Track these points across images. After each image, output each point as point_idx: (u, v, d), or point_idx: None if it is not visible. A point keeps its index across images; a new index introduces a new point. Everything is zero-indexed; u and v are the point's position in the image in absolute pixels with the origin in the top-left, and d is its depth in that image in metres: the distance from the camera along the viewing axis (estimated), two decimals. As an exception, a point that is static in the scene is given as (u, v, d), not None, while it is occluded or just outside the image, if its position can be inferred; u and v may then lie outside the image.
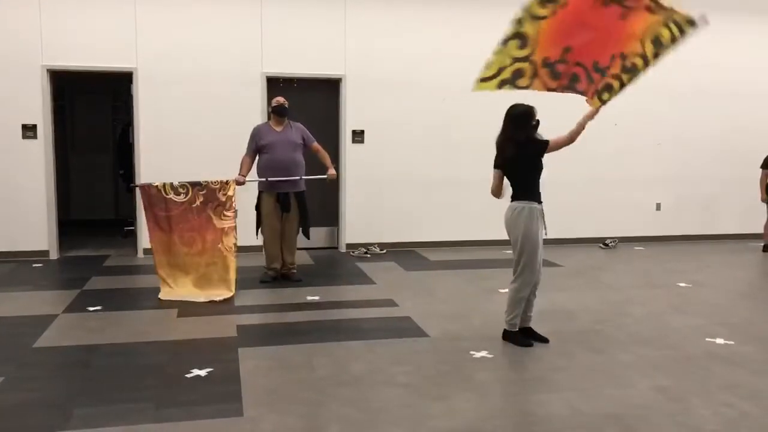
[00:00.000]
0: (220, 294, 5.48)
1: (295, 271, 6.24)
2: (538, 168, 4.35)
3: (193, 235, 5.54)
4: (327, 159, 6.15)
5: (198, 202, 5.53)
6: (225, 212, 5.52)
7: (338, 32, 7.55)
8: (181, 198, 5.53)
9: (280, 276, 6.18)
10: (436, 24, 7.77)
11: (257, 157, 6.00)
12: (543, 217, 4.35)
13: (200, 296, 5.47)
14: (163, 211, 5.54)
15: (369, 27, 7.63)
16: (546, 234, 4.37)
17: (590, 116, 4.25)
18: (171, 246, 5.57)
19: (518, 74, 4.06)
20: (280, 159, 5.85)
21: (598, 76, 4.05)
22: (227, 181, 5.57)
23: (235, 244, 5.58)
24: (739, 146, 8.76)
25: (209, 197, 5.53)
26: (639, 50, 3.86)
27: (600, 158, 8.36)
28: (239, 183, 5.73)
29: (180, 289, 5.54)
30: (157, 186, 5.55)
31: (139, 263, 7.04)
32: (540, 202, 4.33)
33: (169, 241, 5.56)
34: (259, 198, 6.06)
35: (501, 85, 4.09)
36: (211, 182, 5.55)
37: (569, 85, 4.17)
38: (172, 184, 5.54)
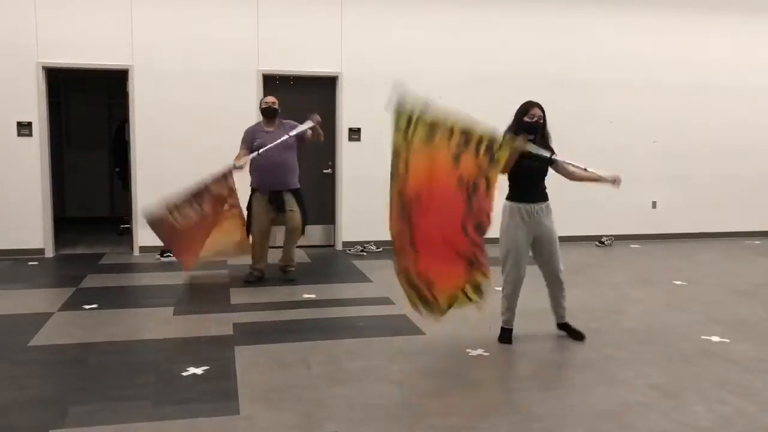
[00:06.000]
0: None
1: (293, 269, 6.16)
2: (528, 168, 4.27)
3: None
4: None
5: (208, 210, 5.62)
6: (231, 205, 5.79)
7: (335, 29, 7.54)
8: (193, 213, 5.60)
9: (265, 275, 6.06)
10: (433, 21, 7.75)
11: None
12: (533, 216, 4.29)
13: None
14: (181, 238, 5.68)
15: (365, 24, 7.62)
16: (530, 231, 4.30)
17: (595, 179, 4.48)
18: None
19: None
20: (271, 159, 5.74)
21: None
22: (225, 175, 5.63)
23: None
24: (735, 144, 8.77)
25: (216, 199, 5.67)
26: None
27: (595, 156, 8.27)
28: (239, 167, 5.71)
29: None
30: (165, 219, 5.57)
31: (135, 261, 7.03)
32: (529, 201, 4.29)
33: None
34: (250, 197, 5.99)
35: None
36: (212, 183, 5.59)
37: None
38: (175, 206, 5.55)
